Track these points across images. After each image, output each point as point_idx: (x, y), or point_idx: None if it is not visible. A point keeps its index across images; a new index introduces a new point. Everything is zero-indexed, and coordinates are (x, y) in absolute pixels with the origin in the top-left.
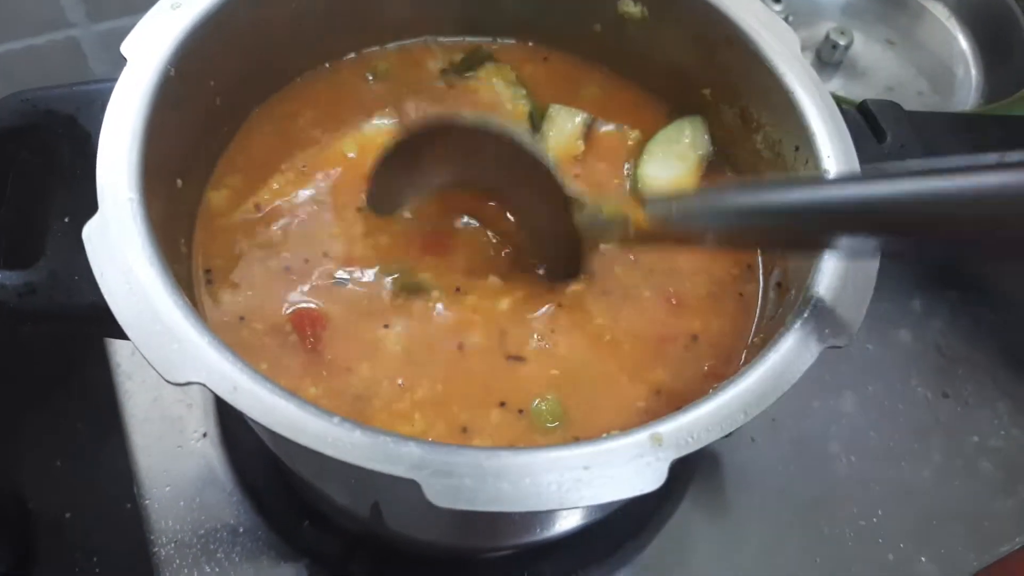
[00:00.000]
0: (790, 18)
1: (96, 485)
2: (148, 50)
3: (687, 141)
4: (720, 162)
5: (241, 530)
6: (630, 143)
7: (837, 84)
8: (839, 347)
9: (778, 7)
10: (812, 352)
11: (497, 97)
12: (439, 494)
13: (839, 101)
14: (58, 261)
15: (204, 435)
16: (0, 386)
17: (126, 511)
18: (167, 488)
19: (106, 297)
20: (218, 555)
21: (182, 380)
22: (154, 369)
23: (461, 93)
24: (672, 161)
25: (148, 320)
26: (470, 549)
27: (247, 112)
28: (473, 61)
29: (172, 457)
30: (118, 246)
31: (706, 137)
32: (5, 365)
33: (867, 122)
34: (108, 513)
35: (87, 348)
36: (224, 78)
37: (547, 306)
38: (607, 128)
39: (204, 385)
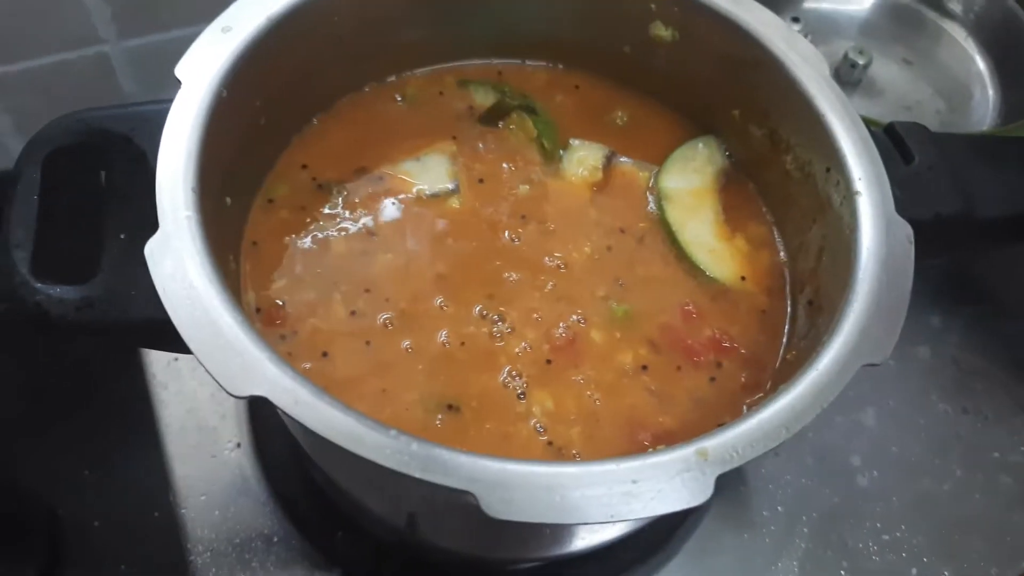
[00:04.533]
0: (808, 37)
1: (126, 494)
2: (201, 72)
3: (702, 157)
4: (743, 178)
5: (275, 539)
6: (643, 174)
7: (855, 103)
8: (876, 364)
9: (796, 27)
10: (850, 370)
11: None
12: (494, 506)
13: (866, 122)
14: (114, 276)
15: (238, 445)
16: (33, 394)
17: (155, 520)
18: (202, 497)
19: (169, 312)
20: (253, 564)
21: (245, 393)
22: (217, 383)
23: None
24: (689, 174)
25: (210, 335)
26: (502, 560)
27: (291, 132)
28: (497, 114)
29: (207, 467)
30: (179, 263)
31: (724, 154)
32: (38, 373)
33: (894, 144)
34: (137, 521)
35: (121, 357)
36: (270, 99)
37: None
38: (625, 161)
39: (267, 399)
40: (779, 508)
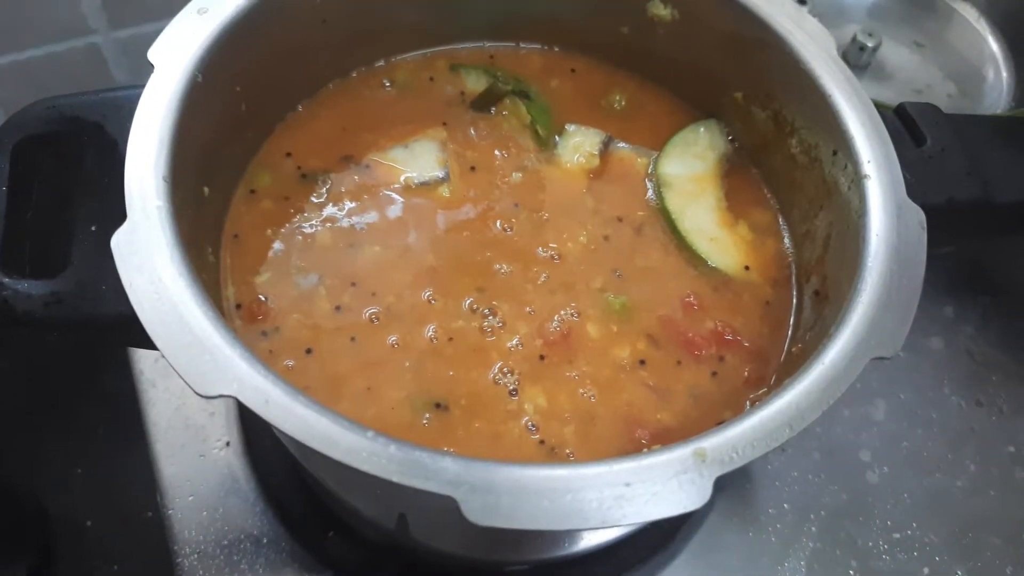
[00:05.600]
0: (815, 18)
1: (117, 492)
2: (175, 56)
3: (703, 142)
4: (746, 163)
5: (264, 541)
6: (642, 159)
7: (864, 87)
8: (886, 358)
9: (804, 8)
10: (858, 363)
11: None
12: (477, 511)
13: (875, 106)
14: (84, 270)
15: (227, 444)
16: (21, 391)
17: (147, 519)
18: (190, 498)
19: (135, 308)
20: (241, 566)
21: (213, 393)
22: (185, 382)
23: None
24: (689, 160)
25: (178, 332)
26: (498, 562)
27: (274, 119)
28: (490, 99)
29: (195, 466)
30: (147, 256)
31: (727, 138)
32: (27, 370)
33: (905, 125)
34: (129, 521)
35: (110, 354)
36: (251, 84)
37: None
38: (623, 147)
39: (236, 398)
40: (786, 505)
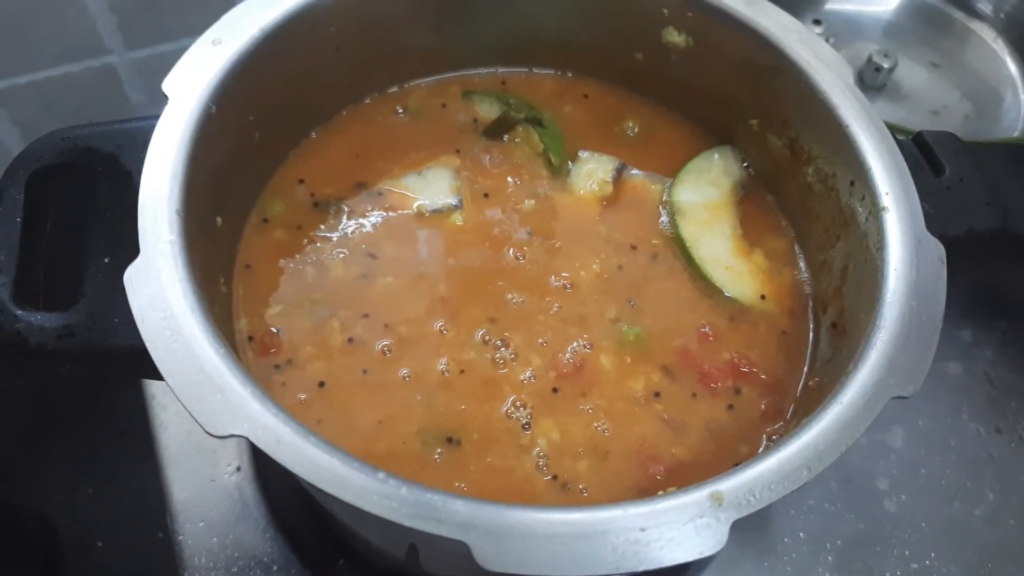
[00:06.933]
0: (831, 40)
1: (127, 514)
2: (189, 87)
3: (718, 169)
4: (761, 191)
5: (275, 568)
6: (656, 187)
7: (880, 108)
8: (905, 397)
9: (818, 29)
10: (877, 403)
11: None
12: (489, 557)
13: (892, 130)
14: (97, 302)
15: (238, 469)
16: (33, 411)
17: (157, 540)
18: (201, 523)
19: (147, 344)
20: None
21: (224, 433)
22: (196, 421)
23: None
24: (704, 187)
25: (189, 369)
26: None
27: (288, 146)
28: (502, 127)
29: (206, 491)
30: (159, 291)
31: (742, 165)
32: (38, 391)
33: (923, 154)
34: (139, 542)
35: (121, 378)
36: (264, 113)
37: None
38: (636, 174)
39: (247, 438)
40: (801, 534)
